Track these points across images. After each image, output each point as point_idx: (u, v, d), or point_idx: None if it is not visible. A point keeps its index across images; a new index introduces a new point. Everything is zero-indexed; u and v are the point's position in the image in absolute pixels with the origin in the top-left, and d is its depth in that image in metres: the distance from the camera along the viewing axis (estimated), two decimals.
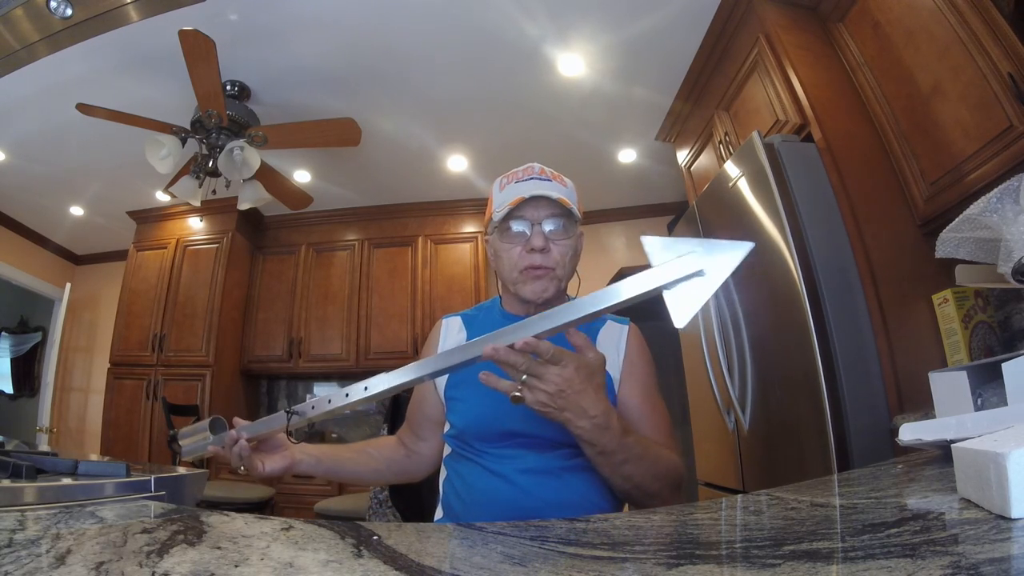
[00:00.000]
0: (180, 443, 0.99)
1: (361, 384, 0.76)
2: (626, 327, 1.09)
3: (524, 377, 0.74)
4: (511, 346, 0.70)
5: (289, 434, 0.88)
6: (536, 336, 0.70)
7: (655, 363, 1.08)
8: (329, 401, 0.79)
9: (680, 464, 0.95)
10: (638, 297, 0.65)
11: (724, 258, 0.62)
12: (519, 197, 0.97)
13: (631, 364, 1.04)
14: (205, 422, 0.97)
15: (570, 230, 1.01)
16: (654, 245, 0.65)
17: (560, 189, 1.00)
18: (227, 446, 0.92)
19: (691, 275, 0.62)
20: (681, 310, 0.62)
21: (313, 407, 0.81)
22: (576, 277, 1.10)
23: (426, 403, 1.11)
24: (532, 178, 1.01)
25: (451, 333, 1.12)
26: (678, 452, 0.99)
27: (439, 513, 1.03)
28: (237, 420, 0.94)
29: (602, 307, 0.66)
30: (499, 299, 1.14)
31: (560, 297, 1.06)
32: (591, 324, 1.07)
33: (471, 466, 0.98)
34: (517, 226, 0.99)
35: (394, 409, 1.44)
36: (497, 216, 1.00)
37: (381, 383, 0.75)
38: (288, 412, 0.84)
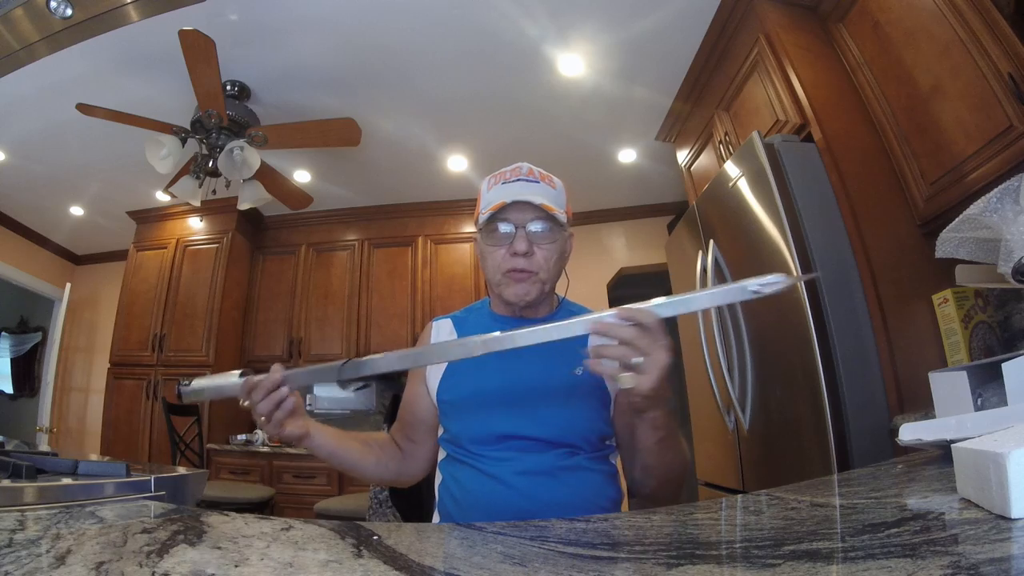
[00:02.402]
0: (193, 385, 0.91)
1: (414, 351, 0.78)
2: None
3: (635, 360, 0.69)
4: (624, 317, 0.69)
5: (344, 385, 0.85)
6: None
7: None
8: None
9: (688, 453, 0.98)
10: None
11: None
12: (501, 201, 0.95)
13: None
14: (235, 372, 0.89)
15: (555, 233, 0.99)
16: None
17: (547, 191, 0.99)
18: (263, 389, 0.84)
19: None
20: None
21: (370, 364, 0.80)
22: (565, 278, 1.09)
23: (418, 406, 1.07)
24: (519, 179, 0.99)
25: (442, 336, 1.11)
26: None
27: (435, 519, 1.02)
28: (277, 366, 0.87)
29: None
30: (488, 300, 1.13)
31: (545, 300, 1.05)
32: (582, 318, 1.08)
33: (466, 469, 0.97)
34: (501, 228, 0.98)
35: (393, 408, 1.44)
36: (482, 218, 0.99)
37: (439, 354, 0.78)
38: (344, 362, 0.81)
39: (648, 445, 0.86)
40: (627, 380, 0.70)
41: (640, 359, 0.70)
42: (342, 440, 1.00)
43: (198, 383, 0.90)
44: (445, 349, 0.90)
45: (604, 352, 0.71)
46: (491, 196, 0.99)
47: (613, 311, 0.71)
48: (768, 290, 0.66)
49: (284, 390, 0.85)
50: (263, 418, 0.85)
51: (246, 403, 0.86)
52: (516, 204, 0.96)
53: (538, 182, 0.99)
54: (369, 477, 1.06)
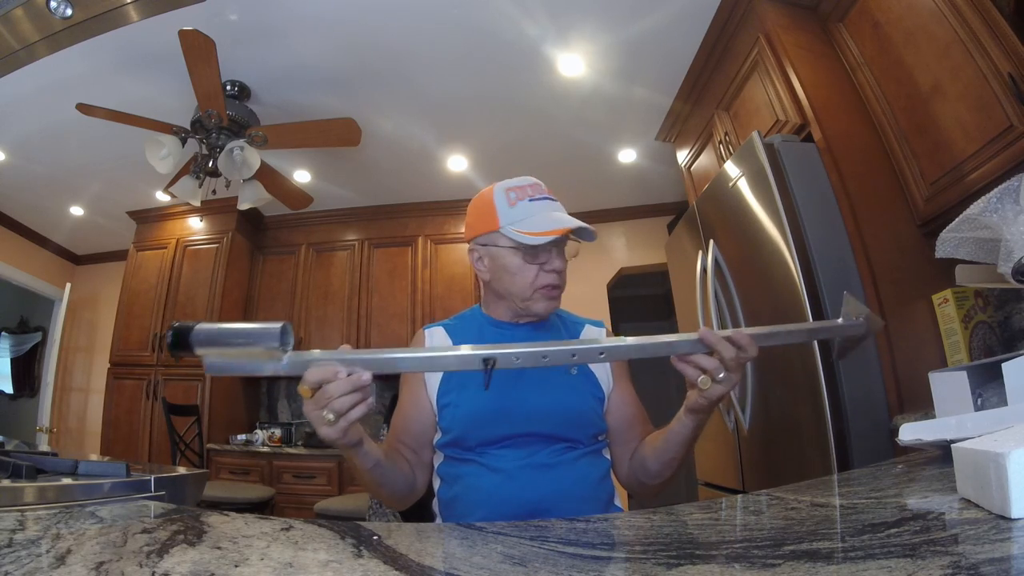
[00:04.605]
0: (215, 359, 0.66)
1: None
2: (603, 330, 1.14)
3: (721, 375, 0.78)
4: (727, 338, 0.78)
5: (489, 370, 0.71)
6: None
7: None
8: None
9: None
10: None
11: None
12: (564, 228, 0.97)
13: (619, 366, 1.09)
14: (276, 325, 0.65)
15: (568, 249, 1.05)
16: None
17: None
18: (350, 383, 0.69)
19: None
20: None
21: (517, 358, 0.72)
22: None
23: (424, 413, 1.04)
24: (546, 198, 1.03)
25: (436, 343, 1.09)
26: None
27: (438, 520, 1.02)
28: (346, 347, 0.72)
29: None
30: (479, 308, 1.13)
31: None
32: (572, 329, 1.13)
33: (471, 467, 0.98)
34: (546, 249, 1.00)
35: (392, 408, 1.43)
36: (528, 240, 0.97)
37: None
38: (487, 361, 0.70)
39: (684, 439, 0.92)
40: (706, 383, 0.79)
41: (724, 374, 0.78)
42: (384, 461, 0.90)
43: (223, 357, 0.66)
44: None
45: (699, 361, 0.79)
46: (522, 213, 1.00)
47: (724, 334, 0.78)
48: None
49: (368, 376, 0.70)
50: (331, 415, 0.69)
51: (305, 389, 0.69)
52: (578, 231, 1.00)
53: (558, 202, 1.04)
54: (397, 493, 0.97)
